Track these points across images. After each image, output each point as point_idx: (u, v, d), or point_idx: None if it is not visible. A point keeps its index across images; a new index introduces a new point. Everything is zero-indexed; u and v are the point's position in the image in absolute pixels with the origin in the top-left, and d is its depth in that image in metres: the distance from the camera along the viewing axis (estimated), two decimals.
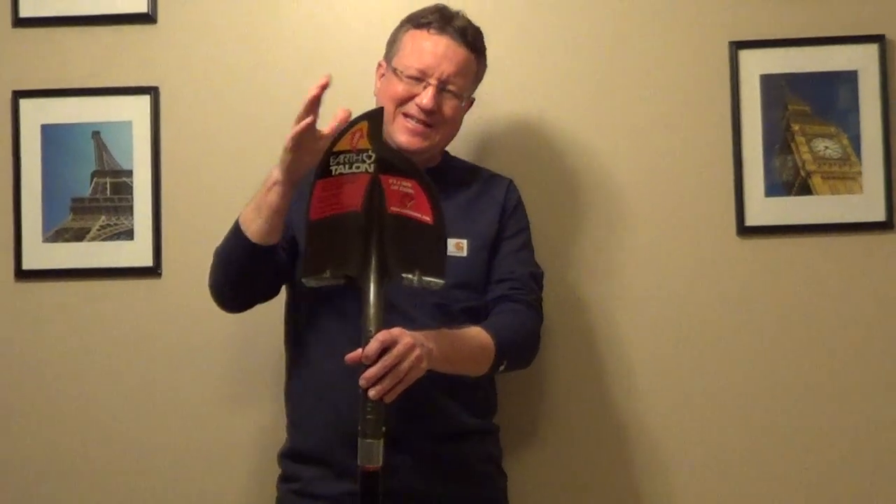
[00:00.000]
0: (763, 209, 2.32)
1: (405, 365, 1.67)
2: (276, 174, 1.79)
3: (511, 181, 2.09)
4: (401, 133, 1.94)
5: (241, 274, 1.88)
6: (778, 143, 2.32)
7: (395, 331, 1.68)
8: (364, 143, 1.70)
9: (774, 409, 2.31)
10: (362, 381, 1.65)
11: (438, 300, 1.87)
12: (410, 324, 1.76)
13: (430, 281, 1.69)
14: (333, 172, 1.70)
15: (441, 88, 1.92)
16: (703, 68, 2.34)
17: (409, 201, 1.70)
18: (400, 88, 1.94)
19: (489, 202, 2.03)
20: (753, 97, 2.32)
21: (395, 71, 1.96)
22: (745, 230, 2.32)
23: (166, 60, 2.38)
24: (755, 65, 2.32)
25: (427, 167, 1.87)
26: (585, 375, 2.33)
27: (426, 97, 1.91)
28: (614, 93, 2.35)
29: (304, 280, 1.71)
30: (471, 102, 2.05)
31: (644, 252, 2.34)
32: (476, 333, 1.88)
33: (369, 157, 1.71)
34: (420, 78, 1.92)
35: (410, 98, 1.94)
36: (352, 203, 1.72)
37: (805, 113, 2.32)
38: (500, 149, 2.33)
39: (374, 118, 1.71)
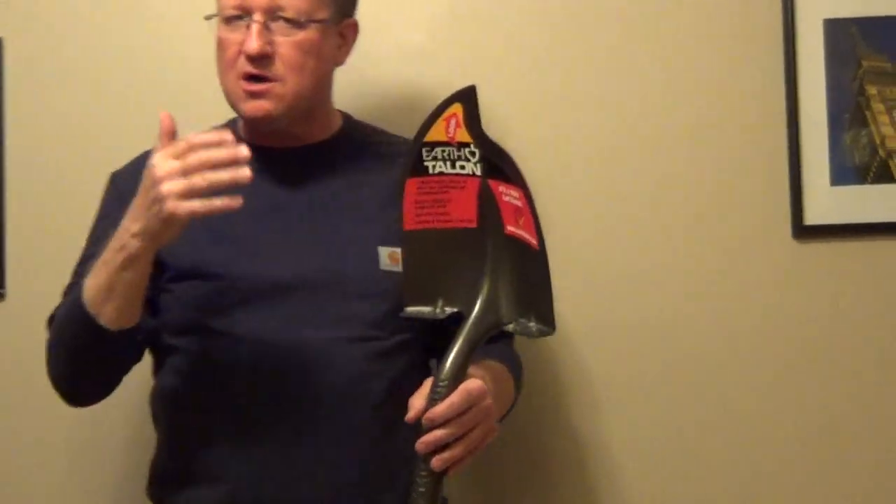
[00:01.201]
0: (828, 203, 2.08)
1: (478, 433, 1.54)
2: (136, 246, 1.51)
3: None
4: (243, 102, 1.69)
5: (95, 366, 1.64)
6: (848, 112, 2.09)
7: (475, 388, 1.54)
8: (463, 135, 1.57)
9: (849, 466, 2.06)
10: (421, 446, 1.52)
11: (367, 332, 1.66)
12: (326, 364, 1.61)
13: (544, 329, 1.58)
14: (431, 170, 1.59)
15: (269, 22, 1.67)
16: (748, 11, 2.10)
17: (520, 217, 1.57)
18: (225, 42, 1.68)
19: None
20: (815, 50, 2.08)
21: (217, 21, 1.71)
22: (803, 231, 2.08)
23: (12, 2, 2.14)
24: (817, 6, 2.08)
25: (316, 141, 1.73)
26: (584, 435, 2.07)
27: (249, 40, 1.64)
28: (623, 44, 2.10)
29: (406, 310, 1.63)
30: (354, 31, 1.78)
31: (666, 262, 2.09)
32: (506, 375, 1.73)
33: (473, 154, 1.58)
34: (241, 16, 1.67)
35: (239, 51, 1.68)
36: (464, 215, 1.61)
37: (884, 71, 2.08)
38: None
39: (468, 100, 1.56)
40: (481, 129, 1.57)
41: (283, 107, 1.67)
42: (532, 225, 1.56)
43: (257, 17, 1.63)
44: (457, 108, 1.57)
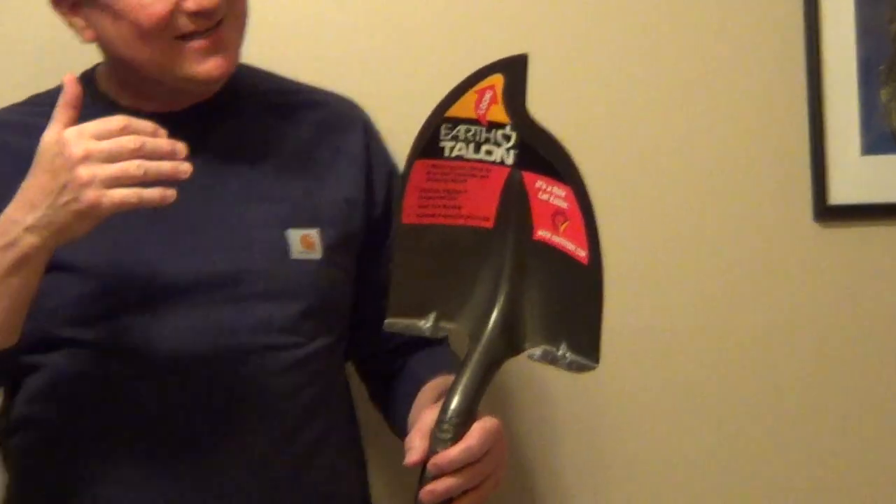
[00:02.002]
0: (858, 177, 1.92)
1: (491, 483, 1.48)
2: (30, 243, 1.38)
3: (362, 112, 1.73)
4: (195, 64, 1.52)
5: None
6: (884, 63, 1.91)
7: (493, 428, 1.47)
8: (498, 114, 1.46)
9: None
10: (426, 496, 1.44)
11: (280, 339, 1.53)
12: (231, 382, 1.48)
13: (581, 362, 1.48)
14: (446, 153, 1.48)
15: None
16: None
17: (562, 222, 1.46)
18: (148, 3, 1.50)
19: (336, 153, 1.66)
20: None
21: None
22: (827, 212, 1.92)
23: None
24: None
25: (199, 100, 1.59)
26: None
27: None
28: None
29: (388, 321, 1.52)
30: None
31: (666, 254, 1.95)
32: None
33: (507, 137, 1.47)
34: None
35: (174, 8, 1.50)
36: (478, 212, 1.51)
37: None
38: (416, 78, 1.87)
39: (514, 71, 1.45)
40: (525, 110, 1.44)
41: (236, 54, 1.54)
42: (582, 233, 1.44)
43: None
44: (495, 80, 1.44)
